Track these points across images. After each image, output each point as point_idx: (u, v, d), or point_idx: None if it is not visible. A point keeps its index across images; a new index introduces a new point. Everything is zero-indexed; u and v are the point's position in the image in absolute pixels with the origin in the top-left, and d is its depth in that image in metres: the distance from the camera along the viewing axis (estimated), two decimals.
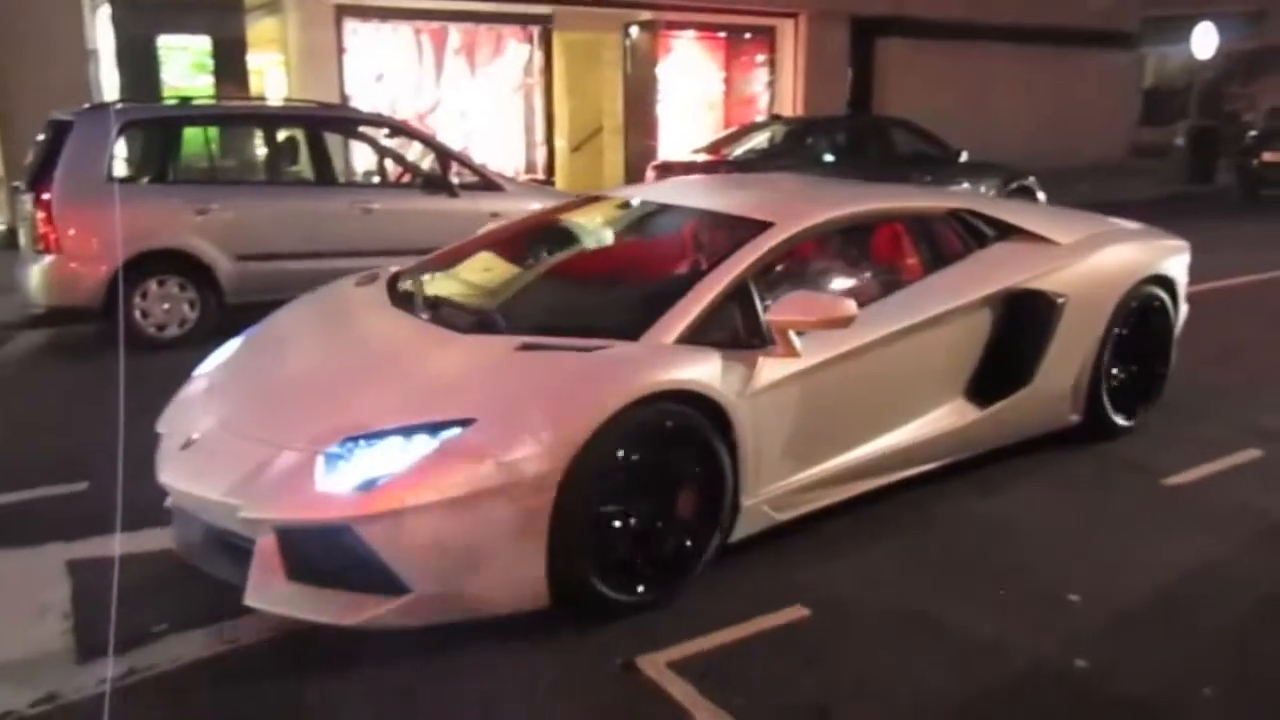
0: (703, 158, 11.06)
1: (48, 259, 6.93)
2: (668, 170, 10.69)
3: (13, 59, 11.67)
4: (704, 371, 3.44)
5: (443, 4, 13.95)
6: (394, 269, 4.68)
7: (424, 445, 3.09)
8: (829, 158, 10.89)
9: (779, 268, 4.10)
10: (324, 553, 3.06)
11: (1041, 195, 12.16)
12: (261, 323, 4.46)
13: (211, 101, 9.74)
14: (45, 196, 6.87)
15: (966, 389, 4.42)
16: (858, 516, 4.08)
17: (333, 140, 7.97)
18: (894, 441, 4.13)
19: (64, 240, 6.87)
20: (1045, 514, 4.27)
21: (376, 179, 8.46)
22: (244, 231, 7.24)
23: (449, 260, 4.77)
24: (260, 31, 13.90)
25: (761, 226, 4.01)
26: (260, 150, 7.97)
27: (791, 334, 3.62)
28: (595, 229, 5.10)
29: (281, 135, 7.87)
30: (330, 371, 3.83)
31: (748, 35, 16.91)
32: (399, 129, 8.51)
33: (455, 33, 14.40)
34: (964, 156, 11.74)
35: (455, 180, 7.95)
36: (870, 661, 3.14)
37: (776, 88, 17.05)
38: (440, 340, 3.77)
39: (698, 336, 3.58)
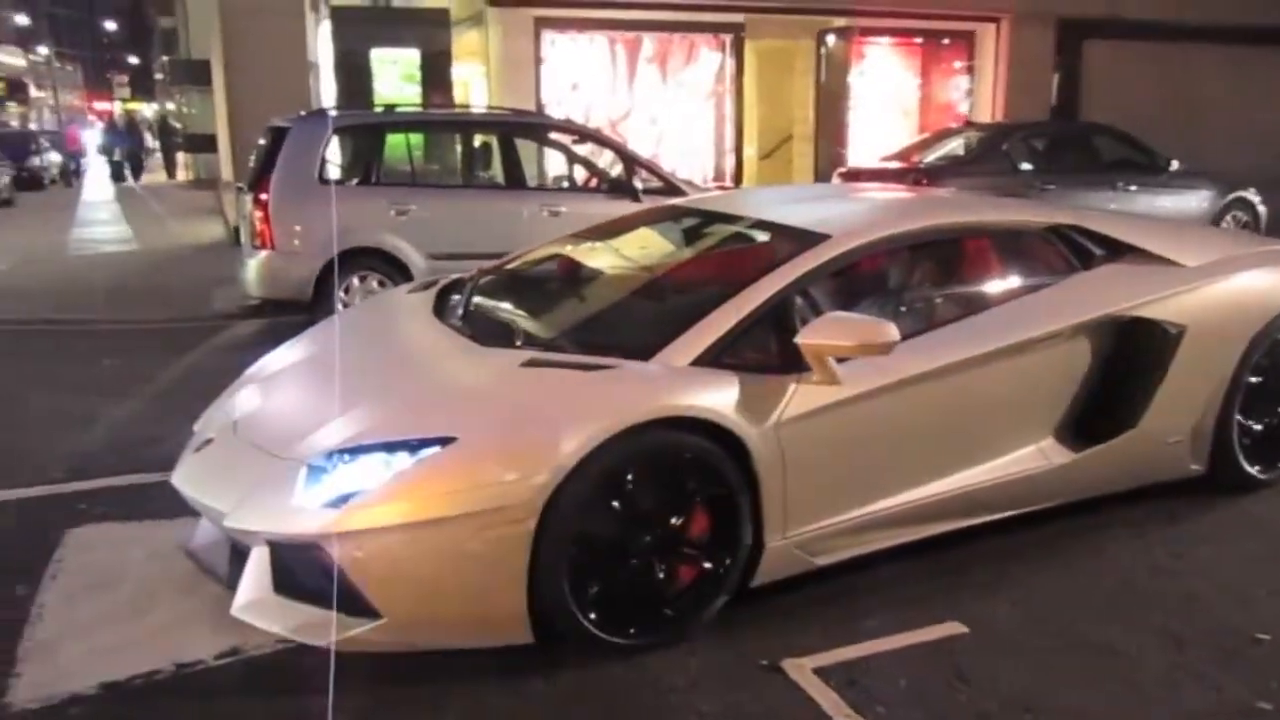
0: (893, 165, 10.84)
1: (263, 254, 7.50)
2: (855, 177, 10.55)
3: (243, 72, 12.70)
4: (717, 398, 3.15)
5: (637, 14, 14.22)
6: (453, 276, 4.60)
7: (402, 463, 2.98)
8: (1026, 165, 10.46)
9: (835, 285, 3.74)
10: (303, 569, 3.02)
11: (1262, 209, 11.30)
12: (313, 327, 4.48)
13: (414, 108, 10.29)
14: (263, 196, 7.44)
15: (1058, 428, 3.92)
16: (1022, 539, 3.91)
17: (524, 146, 8.27)
18: (962, 484, 3.69)
19: (278, 237, 7.41)
20: (1228, 546, 3.96)
21: (564, 183, 8.71)
22: (438, 232, 7.60)
23: (501, 269, 4.62)
24: (464, 44, 14.56)
25: (816, 239, 3.68)
26: (457, 155, 8.36)
27: (830, 360, 3.27)
28: (650, 241, 4.85)
29: (477, 141, 8.24)
30: (345, 380, 3.67)
31: (945, 40, 16.44)
32: (586, 135, 8.75)
33: (649, 41, 14.64)
34: (1175, 165, 11.02)
35: (639, 185, 8.10)
36: (1027, 684, 3.02)
37: (975, 94, 16.49)
38: (455, 352, 3.67)
39: (723, 358, 3.29)
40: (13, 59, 45.26)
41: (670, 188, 8.20)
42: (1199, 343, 4.03)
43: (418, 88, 14.01)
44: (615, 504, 3.07)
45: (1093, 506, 4.09)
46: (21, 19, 72.21)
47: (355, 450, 3.07)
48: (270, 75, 12.51)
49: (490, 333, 3.78)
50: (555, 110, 13.55)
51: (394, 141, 8.09)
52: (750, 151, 15.86)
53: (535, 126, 8.62)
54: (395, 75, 14.09)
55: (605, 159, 9.06)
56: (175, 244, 14.14)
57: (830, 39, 15.84)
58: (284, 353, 4.23)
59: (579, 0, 13.85)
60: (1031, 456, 3.86)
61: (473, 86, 14.86)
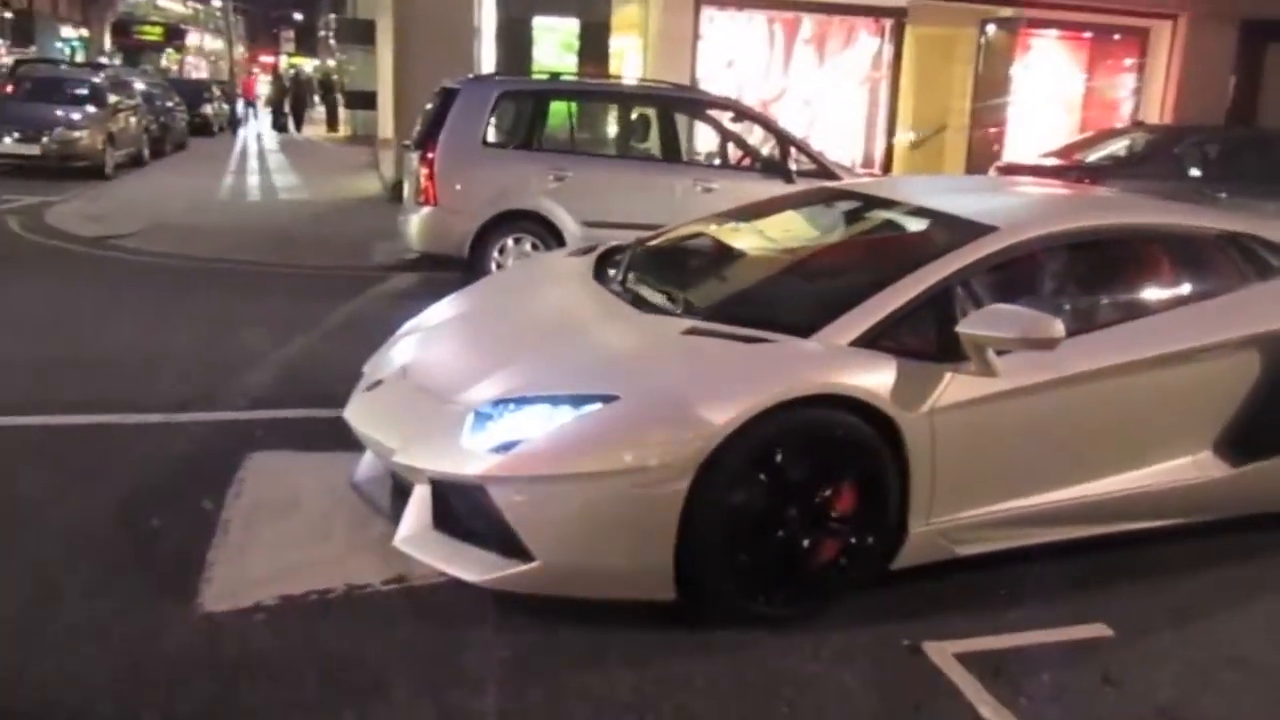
0: (1053, 162, 10.54)
1: (426, 210, 7.81)
2: (1012, 173, 10.29)
3: (411, 35, 13.10)
4: (874, 379, 3.18)
5: None
6: (612, 243, 4.70)
7: (565, 416, 3.10)
8: (1195, 171, 10.04)
9: (998, 278, 3.68)
10: (464, 509, 3.17)
11: None
12: (476, 283, 4.62)
13: (576, 77, 10.50)
14: (429, 155, 7.73)
15: (1218, 442, 3.84)
16: (1173, 549, 3.85)
17: (681, 120, 8.36)
18: (1113, 488, 3.64)
19: (442, 195, 7.71)
20: None
21: (718, 160, 8.77)
22: (593, 200, 7.78)
23: (660, 240, 4.72)
24: (624, 16, 14.69)
25: (982, 230, 3.68)
26: (615, 125, 8.51)
27: (990, 352, 3.26)
28: (809, 220, 4.90)
29: (635, 113, 8.37)
30: (509, 335, 3.90)
31: (1116, 36, 15.82)
32: (744, 113, 8.79)
33: (808, 23, 14.55)
34: None
35: (793, 167, 8.11)
36: (1176, 695, 3.00)
37: (1144, 93, 15.84)
38: (617, 316, 3.79)
39: (880, 341, 3.30)
40: (173, 3, 45.78)
41: (824, 171, 8.19)
42: None
43: (575, 57, 14.24)
44: (766, 474, 3.13)
45: (1253, 525, 3.99)
46: None
47: (520, 400, 3.21)
48: (437, 38, 12.86)
49: (648, 300, 3.89)
50: (709, 87, 13.58)
51: (556, 109, 8.30)
52: (902, 139, 15.59)
53: (695, 102, 8.70)
54: (554, 43, 14.34)
55: (758, 138, 9.09)
56: (337, 196, 14.75)
57: (991, 28, 15.41)
58: (448, 305, 4.43)
59: None
60: (1188, 468, 3.79)
61: (628, 59, 14.96)
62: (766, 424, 3.05)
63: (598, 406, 3.10)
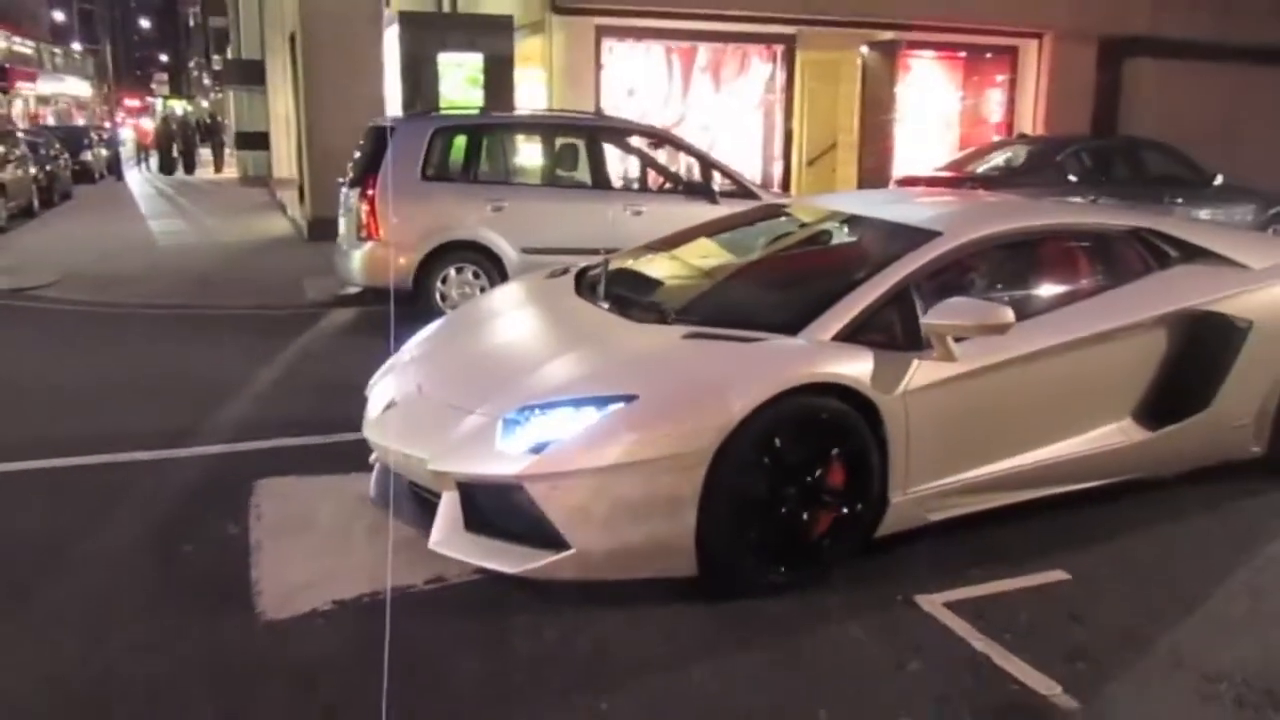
0: (946, 174, 11.30)
1: (368, 245, 8.03)
2: (912, 184, 11.01)
3: (320, 75, 13.25)
4: (858, 368, 3.60)
5: (694, 25, 14.70)
6: (582, 264, 5.08)
7: (590, 416, 3.42)
8: (1074, 178, 10.90)
9: (946, 276, 4.16)
10: (497, 507, 3.46)
11: None
12: (463, 306, 4.96)
13: (511, 112, 10.88)
14: (369, 192, 7.97)
15: (1136, 410, 4.36)
16: (1136, 499, 4.42)
17: (608, 148, 8.77)
18: (1052, 455, 4.14)
19: (383, 229, 7.94)
20: None
21: (646, 185, 9.20)
22: (530, 227, 8.12)
23: (630, 260, 5.15)
24: (526, 49, 15.06)
25: (929, 235, 4.16)
26: (545, 156, 8.86)
27: (949, 339, 3.74)
28: (768, 233, 5.37)
29: (564, 142, 8.75)
30: (517, 349, 4.27)
31: (988, 55, 16.88)
32: (666, 140, 9.27)
33: (704, 51, 15.15)
34: (1219, 180, 11.46)
35: (716, 188, 8.59)
36: (1129, 621, 3.49)
37: (1016, 108, 16.93)
38: (615, 326, 4.14)
39: (856, 336, 3.74)
40: None
41: (745, 191, 8.70)
42: (1264, 336, 4.49)
43: (481, 91, 14.53)
44: (769, 457, 3.50)
45: (1169, 484, 4.56)
46: (58, 15, 73.05)
47: (546, 406, 3.52)
48: (343, 76, 13.06)
49: (639, 310, 4.27)
50: (613, 116, 14.04)
51: (489, 142, 8.62)
52: (797, 158, 16.31)
53: (620, 130, 9.12)
54: (460, 79, 14.59)
55: (679, 163, 9.57)
56: (245, 237, 14.68)
57: (867, 51, 16.26)
58: (441, 328, 4.75)
59: (639, 10, 14.32)
60: (1113, 434, 4.30)
61: (531, 91, 15.34)
62: (769, 412, 3.44)
63: (620, 406, 3.43)
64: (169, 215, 18.36)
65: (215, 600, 3.54)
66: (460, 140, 8.37)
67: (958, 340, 3.77)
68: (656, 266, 5.09)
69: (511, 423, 3.52)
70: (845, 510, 3.69)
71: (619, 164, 9.13)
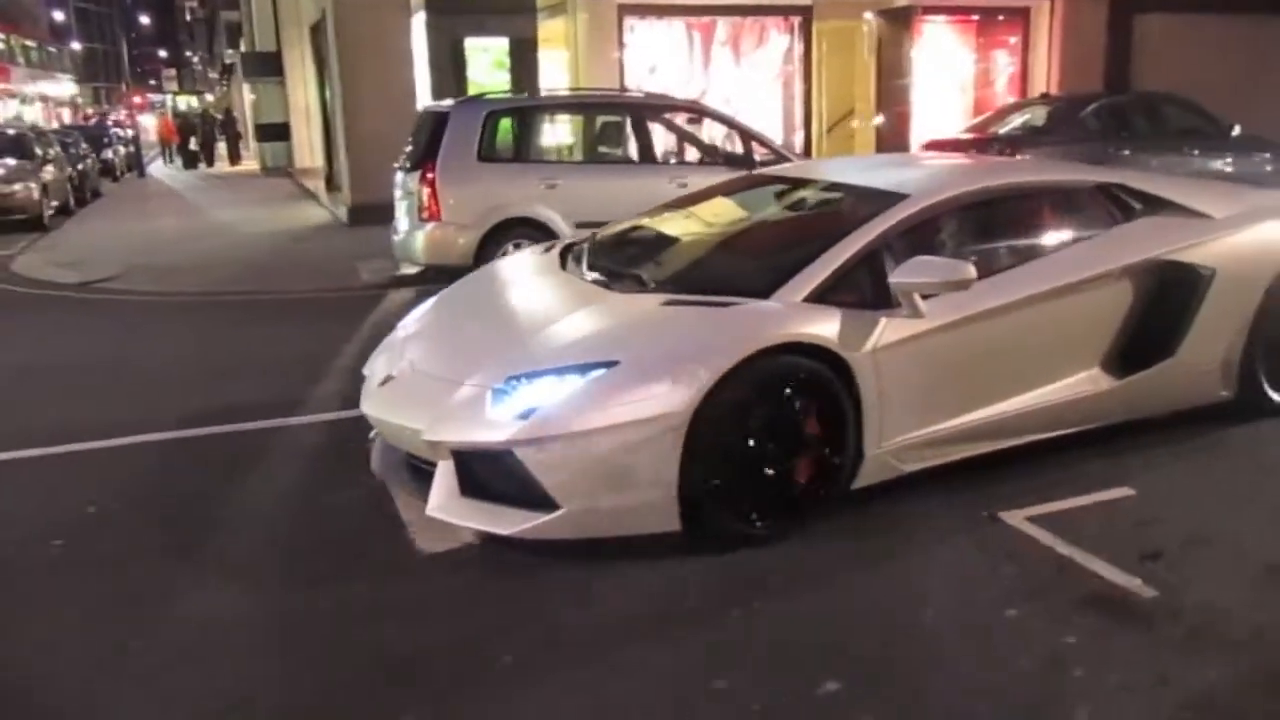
0: (971, 136, 11.65)
1: (429, 226, 8.43)
2: (939, 148, 11.37)
3: (355, 65, 13.61)
4: (827, 327, 3.75)
5: (714, 0, 15.03)
6: (567, 240, 5.29)
7: (574, 383, 3.58)
8: (1096, 134, 11.23)
9: (916, 236, 4.23)
10: (490, 472, 3.61)
11: None
12: (454, 284, 5.16)
13: (561, 92, 11.32)
14: (429, 175, 8.36)
15: (1105, 358, 4.51)
16: (1190, 425, 4.78)
17: (653, 125, 9.15)
18: (1023, 404, 4.28)
19: (444, 210, 8.35)
20: None
21: (687, 157, 9.59)
22: (583, 202, 8.50)
23: (612, 232, 5.28)
24: (549, 30, 15.41)
25: (896, 198, 4.30)
26: (593, 133, 9.25)
27: (916, 296, 3.89)
28: (746, 201, 5.45)
29: (610, 120, 9.14)
30: (503, 322, 4.48)
31: (1000, 17, 17.16)
32: (707, 114, 9.66)
33: (722, 26, 15.48)
34: (1236, 131, 11.79)
35: (756, 158, 8.97)
36: (1194, 527, 3.90)
37: (1029, 70, 17.22)
38: (597, 297, 4.28)
39: (827, 297, 3.88)
40: None
41: (780, 157, 9.07)
42: (1228, 283, 4.64)
43: (507, 74, 14.89)
44: (748, 414, 3.66)
45: (1188, 422, 4.81)
46: (57, 15, 73.42)
47: (532, 375, 3.69)
48: (376, 66, 13.43)
49: (620, 280, 4.44)
50: (636, 92, 14.38)
51: (540, 123, 9.00)
52: (817, 126, 16.65)
53: (661, 107, 9.50)
54: (486, 63, 14.96)
55: (717, 135, 9.95)
56: (283, 226, 15.07)
57: (873, 17, 16.48)
58: (431, 307, 4.94)
59: None
60: (1083, 382, 4.47)
61: (555, 71, 15.68)
62: (744, 373, 3.61)
63: (602, 371, 3.61)
64: (204, 208, 18.78)
65: (371, 540, 3.96)
66: (512, 122, 8.77)
67: (926, 297, 3.93)
68: (633, 239, 5.23)
69: (500, 392, 3.69)
70: (822, 464, 3.85)
71: (662, 139, 9.50)
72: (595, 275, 4.57)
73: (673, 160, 9.45)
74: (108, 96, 76.34)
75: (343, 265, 10.81)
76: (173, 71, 58.70)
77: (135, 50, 76.26)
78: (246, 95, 31.64)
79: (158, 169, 31.39)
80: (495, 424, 3.61)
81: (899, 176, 4.82)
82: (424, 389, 4.01)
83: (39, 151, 16.93)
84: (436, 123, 8.54)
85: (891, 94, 16.65)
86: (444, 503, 3.71)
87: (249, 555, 3.91)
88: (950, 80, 17.05)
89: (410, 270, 9.49)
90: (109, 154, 27.45)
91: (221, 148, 32.41)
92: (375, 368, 4.48)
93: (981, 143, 11.05)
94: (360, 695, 2.96)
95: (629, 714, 2.85)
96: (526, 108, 9.02)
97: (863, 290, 4.00)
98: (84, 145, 22.64)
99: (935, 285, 3.90)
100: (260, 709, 2.92)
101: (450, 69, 14.69)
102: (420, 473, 3.90)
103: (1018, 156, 9.60)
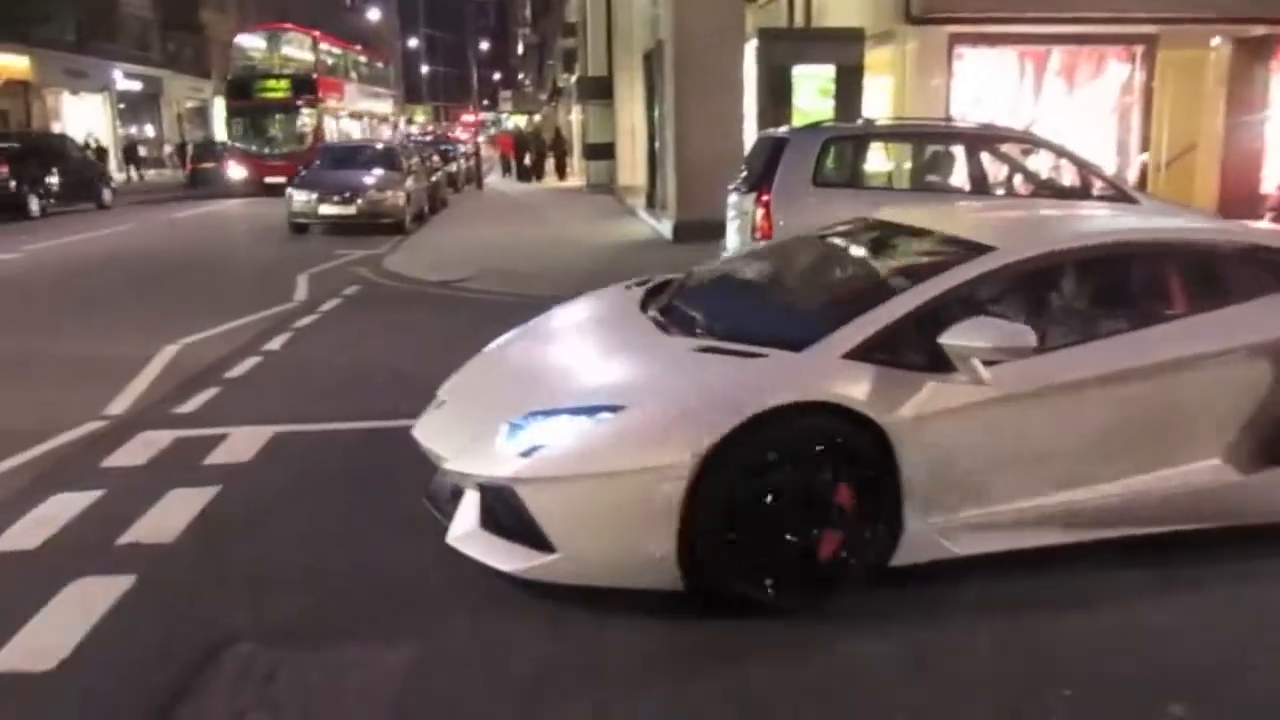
0: None
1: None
2: None
3: (690, 90, 14.45)
4: (856, 388, 3.43)
5: (1050, 29, 14.69)
6: (663, 276, 5.16)
7: (583, 424, 3.46)
8: None
9: (998, 293, 3.85)
10: (502, 508, 3.51)
11: None
12: (544, 313, 5.10)
13: (892, 122, 11.59)
14: (765, 197, 8.84)
15: (1229, 449, 3.87)
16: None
17: (986, 155, 9.20)
18: (1115, 492, 3.75)
19: (776, 230, 8.78)
20: None
21: (1020, 189, 9.56)
22: None
23: (705, 269, 5.15)
24: (876, 58, 15.61)
25: (980, 250, 3.90)
26: (925, 162, 9.43)
27: (976, 362, 3.48)
28: (840, 245, 5.06)
29: (942, 150, 9.28)
30: (554, 358, 4.40)
31: None
32: (1044, 146, 9.57)
33: (1057, 54, 15.08)
34: None
35: (1095, 193, 8.80)
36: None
37: None
38: (646, 339, 4.13)
39: (876, 354, 3.53)
40: (300, 52, 33.51)
41: (1121, 195, 8.83)
42: None
43: (831, 101, 15.23)
44: (762, 475, 3.38)
45: None
46: (412, 41, 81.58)
47: (549, 412, 3.60)
48: (711, 93, 14.18)
49: (677, 323, 4.24)
50: (960, 122, 14.31)
51: (874, 150, 9.29)
52: (1151, 160, 15.82)
53: (994, 138, 9.52)
54: (812, 90, 15.37)
55: (1045, 164, 9.83)
56: (612, 239, 16.18)
57: (1220, 43, 15.40)
58: (512, 334, 4.95)
59: (995, 16, 14.51)
60: (1197, 474, 3.85)
61: (878, 98, 15.86)
62: (763, 428, 3.35)
63: (607, 415, 3.47)
64: (538, 221, 20.40)
65: None
66: (847, 149, 9.09)
67: (990, 363, 3.51)
68: (720, 279, 5.04)
69: (515, 427, 3.60)
70: (850, 536, 3.51)
71: (994, 169, 9.51)
72: (655, 315, 4.43)
73: (1000, 192, 9.44)
74: (446, 114, 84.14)
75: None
76: (508, 93, 63.59)
77: (473, 72, 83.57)
78: (575, 115, 33.90)
79: (493, 182, 34.28)
80: (502, 459, 3.54)
81: (988, 224, 4.52)
82: (461, 417, 4.03)
83: (405, 163, 19.09)
84: (774, 148, 9.00)
85: (1241, 130, 15.54)
86: (463, 533, 3.67)
87: None
88: None
89: None
90: (453, 167, 30.36)
91: (549, 164, 35.03)
92: (444, 391, 4.44)
93: None
94: None
95: None
96: (862, 135, 9.30)
97: (922, 350, 3.59)
98: (434, 159, 25.18)
99: (986, 350, 3.47)
100: None
101: (777, 95, 15.21)
102: (458, 499, 3.78)
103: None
